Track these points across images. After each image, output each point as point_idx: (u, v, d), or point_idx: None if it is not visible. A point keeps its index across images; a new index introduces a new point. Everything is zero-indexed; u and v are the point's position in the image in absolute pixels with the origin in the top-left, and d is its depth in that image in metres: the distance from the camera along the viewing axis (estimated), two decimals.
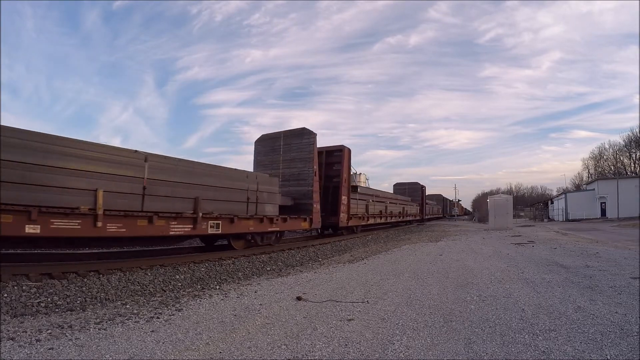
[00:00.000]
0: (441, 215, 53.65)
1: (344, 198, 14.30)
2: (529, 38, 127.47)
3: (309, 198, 11.89)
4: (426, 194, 47.56)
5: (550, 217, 48.64)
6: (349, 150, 15.07)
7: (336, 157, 14.84)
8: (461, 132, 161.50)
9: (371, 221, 18.87)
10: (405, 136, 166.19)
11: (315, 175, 12.04)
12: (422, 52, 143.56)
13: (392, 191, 31.49)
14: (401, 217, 25.74)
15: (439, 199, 55.06)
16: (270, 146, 13.20)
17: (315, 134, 12.24)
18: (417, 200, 32.73)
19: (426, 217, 37.11)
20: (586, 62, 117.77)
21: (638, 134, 53.40)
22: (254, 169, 13.22)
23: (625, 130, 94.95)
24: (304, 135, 12.43)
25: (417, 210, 31.57)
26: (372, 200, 19.07)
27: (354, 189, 16.69)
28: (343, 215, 14.25)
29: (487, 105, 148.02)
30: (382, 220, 21.32)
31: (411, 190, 33.49)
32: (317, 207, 12.09)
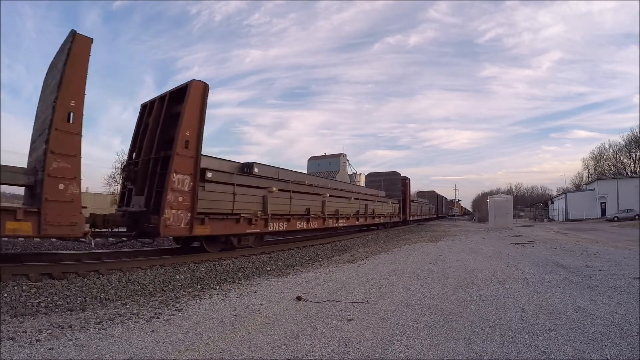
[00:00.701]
0: (435, 216, 45.89)
1: (177, 179, 7.28)
2: (529, 38, 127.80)
3: (41, 168, 5.75)
4: (416, 190, 43.19)
5: (550, 217, 48.68)
6: (202, 87, 7.93)
7: (181, 106, 7.86)
8: (461, 132, 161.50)
9: (278, 226, 10.56)
10: (405, 136, 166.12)
11: (68, 119, 5.89)
12: (422, 52, 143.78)
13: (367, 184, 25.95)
14: (362, 219, 17.11)
15: (432, 196, 46.91)
16: (50, 78, 6.88)
17: (86, 40, 6.12)
18: (397, 195, 24.34)
19: (412, 218, 28.93)
20: (586, 62, 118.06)
21: (638, 134, 53.43)
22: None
23: (625, 130, 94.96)
24: (67, 43, 6.16)
25: (396, 210, 23.38)
26: (280, 190, 10.50)
27: (248, 168, 9.87)
28: (173, 215, 7.18)
29: (487, 105, 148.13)
30: (315, 225, 12.51)
31: (388, 183, 24.66)
32: (63, 189, 5.77)
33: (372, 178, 26.81)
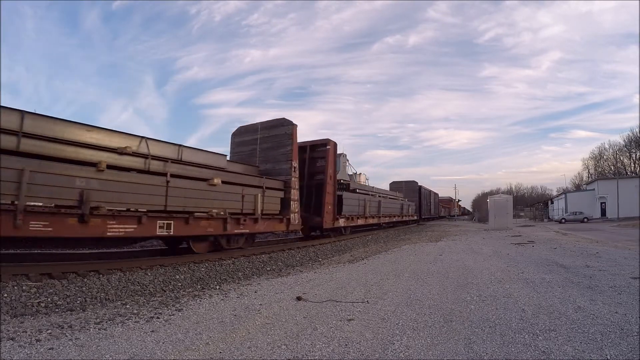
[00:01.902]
0: (415, 218, 31.25)
1: None
2: (529, 38, 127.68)
3: None
4: (390, 181, 33.71)
5: (550, 217, 48.72)
6: None
7: None
8: (461, 132, 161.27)
9: None
10: (405, 136, 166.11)
11: None
12: (422, 52, 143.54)
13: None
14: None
15: (412, 189, 32.60)
16: None
17: None
18: (283, 171, 10.90)
19: (344, 224, 15.08)
20: (586, 62, 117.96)
21: (638, 134, 53.45)
22: None
23: (625, 130, 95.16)
24: None
25: (276, 206, 10.36)
26: None
27: None
28: None
29: (487, 105, 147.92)
30: None
31: (269, 138, 11.43)
32: None
33: (239, 137, 12.11)
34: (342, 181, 17.42)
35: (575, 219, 35.85)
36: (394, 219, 24.08)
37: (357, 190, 18.08)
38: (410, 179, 34.52)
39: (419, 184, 34.73)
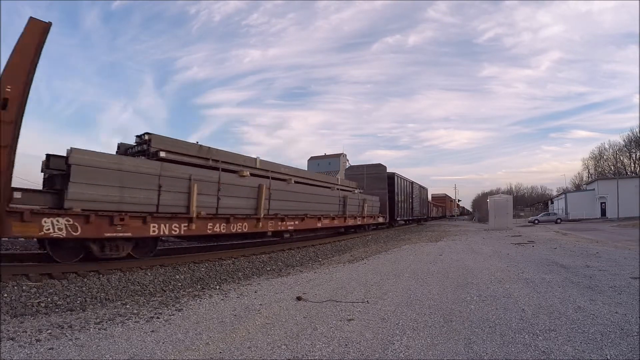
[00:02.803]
0: (382, 220, 20.46)
1: None
2: (528, 38, 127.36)
3: None
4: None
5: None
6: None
7: None
8: (461, 132, 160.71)
9: None
10: (405, 136, 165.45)
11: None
12: (421, 52, 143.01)
13: None
14: None
15: (378, 177, 21.14)
16: None
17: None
18: None
19: (126, 233, 6.32)
20: (586, 62, 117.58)
21: (638, 134, 53.39)
22: None
23: (625, 130, 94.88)
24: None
25: None
26: None
27: None
28: None
29: (486, 105, 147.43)
30: None
31: None
32: None
33: None
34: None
35: (549, 219, 36.98)
36: (319, 225, 13.16)
37: (165, 153, 7.66)
38: (376, 162, 22.40)
39: (391, 171, 22.55)
